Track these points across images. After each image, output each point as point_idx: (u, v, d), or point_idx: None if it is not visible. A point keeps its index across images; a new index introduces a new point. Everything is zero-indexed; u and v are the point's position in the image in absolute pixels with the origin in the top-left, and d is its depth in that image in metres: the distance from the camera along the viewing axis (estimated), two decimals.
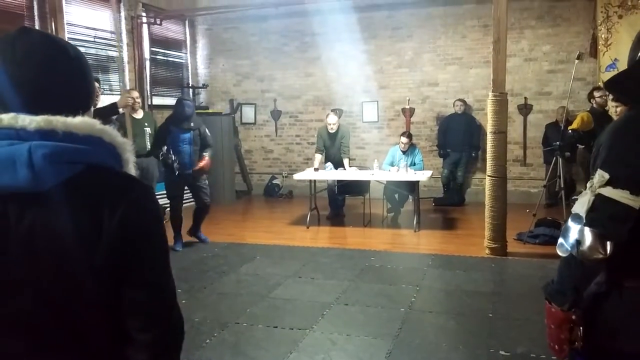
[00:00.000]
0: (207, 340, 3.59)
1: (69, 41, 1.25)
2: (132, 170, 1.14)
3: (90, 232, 1.03)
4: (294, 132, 9.73)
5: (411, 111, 8.81)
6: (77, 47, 1.17)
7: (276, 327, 3.82)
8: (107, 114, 4.89)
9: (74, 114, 1.07)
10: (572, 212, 1.48)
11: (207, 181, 6.12)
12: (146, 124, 6.53)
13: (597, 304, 1.49)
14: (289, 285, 4.72)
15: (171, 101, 9.53)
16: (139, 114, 6.49)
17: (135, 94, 6.55)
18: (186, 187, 6.01)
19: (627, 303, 1.43)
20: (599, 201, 1.40)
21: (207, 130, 6.05)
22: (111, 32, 8.08)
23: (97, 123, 1.08)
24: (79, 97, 1.14)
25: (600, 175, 1.41)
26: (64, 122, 1.04)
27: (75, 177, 1.04)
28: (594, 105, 6.25)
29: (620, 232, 1.39)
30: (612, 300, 1.45)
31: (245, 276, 5.01)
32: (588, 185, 1.45)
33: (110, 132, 1.11)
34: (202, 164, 5.84)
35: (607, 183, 1.39)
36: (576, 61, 5.86)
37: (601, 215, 1.40)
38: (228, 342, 3.60)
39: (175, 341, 1.15)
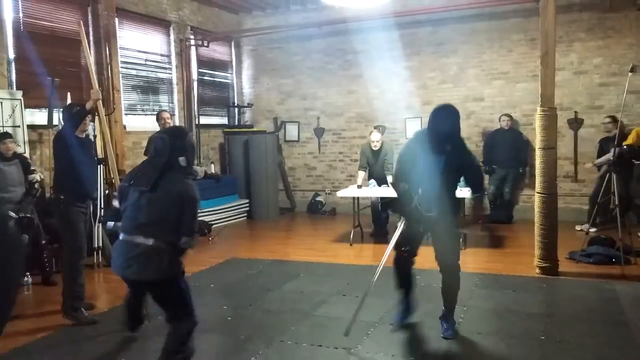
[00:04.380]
0: (252, 358, 3.60)
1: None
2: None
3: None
4: (337, 149, 9.76)
5: None
6: None
7: (320, 345, 3.79)
8: (78, 118, 4.34)
9: None
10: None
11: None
12: None
13: None
14: (333, 303, 4.69)
15: (218, 120, 9.84)
16: None
17: (167, 114, 6.71)
18: None
19: None
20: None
21: None
22: (161, 55, 8.38)
23: None
24: None
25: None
26: None
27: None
28: None
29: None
30: None
31: (289, 294, 5.01)
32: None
33: None
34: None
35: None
36: (629, 74, 5.64)
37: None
38: None
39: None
